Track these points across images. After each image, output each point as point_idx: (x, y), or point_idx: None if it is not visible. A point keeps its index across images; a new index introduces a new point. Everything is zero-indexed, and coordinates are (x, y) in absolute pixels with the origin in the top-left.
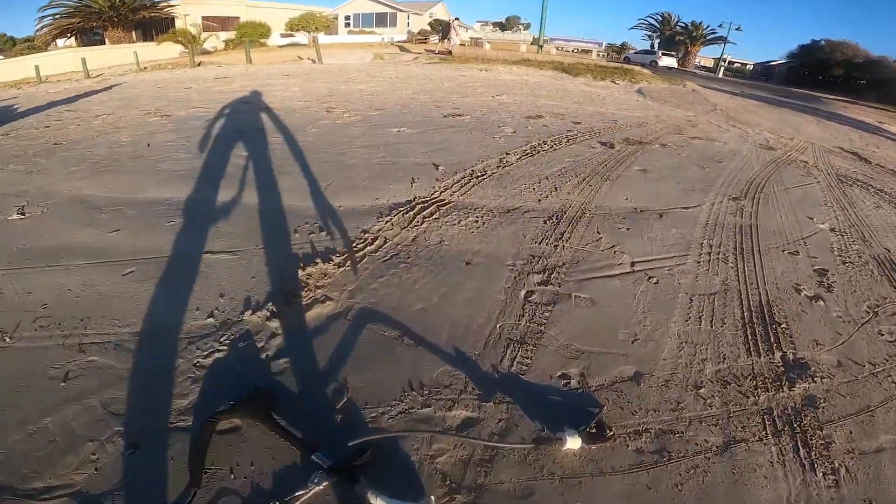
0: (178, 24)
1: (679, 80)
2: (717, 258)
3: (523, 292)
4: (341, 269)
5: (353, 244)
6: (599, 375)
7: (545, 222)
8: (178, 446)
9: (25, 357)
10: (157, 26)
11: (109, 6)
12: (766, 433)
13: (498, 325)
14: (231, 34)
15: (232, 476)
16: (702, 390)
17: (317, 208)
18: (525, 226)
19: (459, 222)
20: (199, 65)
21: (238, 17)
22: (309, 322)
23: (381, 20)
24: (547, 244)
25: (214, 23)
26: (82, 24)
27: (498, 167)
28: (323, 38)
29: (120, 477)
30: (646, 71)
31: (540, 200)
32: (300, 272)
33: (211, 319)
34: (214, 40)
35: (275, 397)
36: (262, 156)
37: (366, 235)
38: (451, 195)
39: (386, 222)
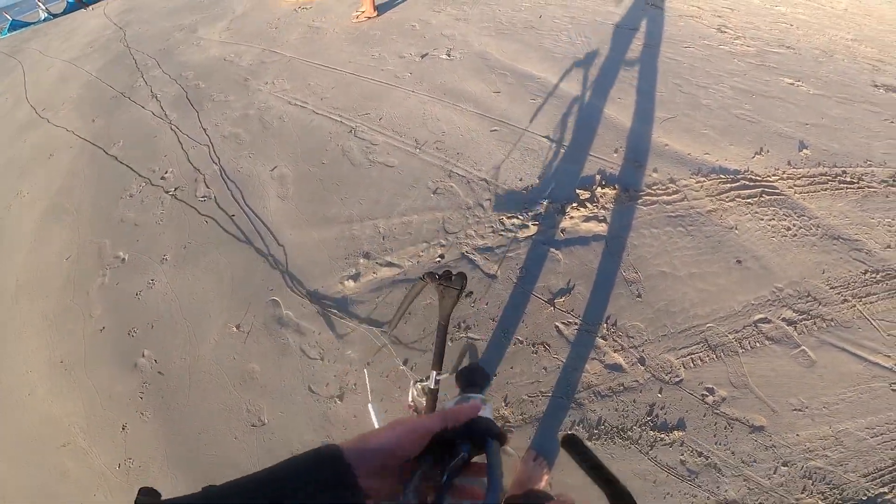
0: None
1: None
2: None
3: (759, 316)
4: (629, 202)
5: (654, 187)
6: (734, 408)
7: (865, 273)
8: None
9: (421, 166)
10: None
11: None
12: None
13: (708, 325)
14: None
15: None
16: None
17: (642, 136)
18: (839, 263)
19: (770, 220)
20: None
21: None
22: (580, 231)
23: None
24: (839, 293)
25: None
26: None
27: (885, 182)
28: None
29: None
30: None
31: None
32: (596, 188)
33: (525, 192)
34: None
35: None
36: (622, 61)
37: (670, 185)
38: (790, 188)
39: (697, 181)
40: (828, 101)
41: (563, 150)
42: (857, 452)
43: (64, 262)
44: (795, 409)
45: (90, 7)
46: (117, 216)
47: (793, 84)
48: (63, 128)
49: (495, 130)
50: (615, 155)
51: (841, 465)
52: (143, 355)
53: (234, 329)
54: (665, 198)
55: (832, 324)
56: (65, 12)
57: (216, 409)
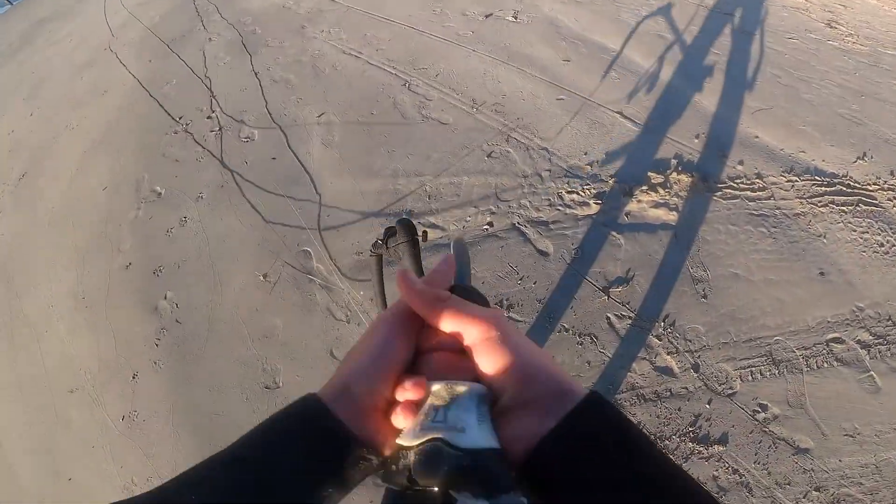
0: None
1: None
2: None
3: (832, 335)
4: (706, 193)
5: (737, 180)
6: (783, 428)
7: None
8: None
9: (477, 126)
10: None
11: None
12: None
13: (776, 337)
14: None
15: None
16: None
17: (729, 124)
18: None
19: (864, 233)
20: None
21: None
22: (647, 217)
23: None
24: None
25: None
26: None
27: None
28: None
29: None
30: None
31: None
32: (671, 173)
33: (589, 168)
34: None
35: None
36: (713, 44)
37: (756, 180)
38: (889, 200)
39: (788, 180)
40: None
41: (637, 129)
42: (891, 482)
43: (101, 192)
44: (846, 435)
45: None
46: (159, 151)
47: None
48: (123, 64)
49: (562, 99)
50: (696, 140)
51: (871, 495)
52: (165, 297)
53: (261, 278)
54: (749, 193)
55: None
56: None
57: (231, 364)
